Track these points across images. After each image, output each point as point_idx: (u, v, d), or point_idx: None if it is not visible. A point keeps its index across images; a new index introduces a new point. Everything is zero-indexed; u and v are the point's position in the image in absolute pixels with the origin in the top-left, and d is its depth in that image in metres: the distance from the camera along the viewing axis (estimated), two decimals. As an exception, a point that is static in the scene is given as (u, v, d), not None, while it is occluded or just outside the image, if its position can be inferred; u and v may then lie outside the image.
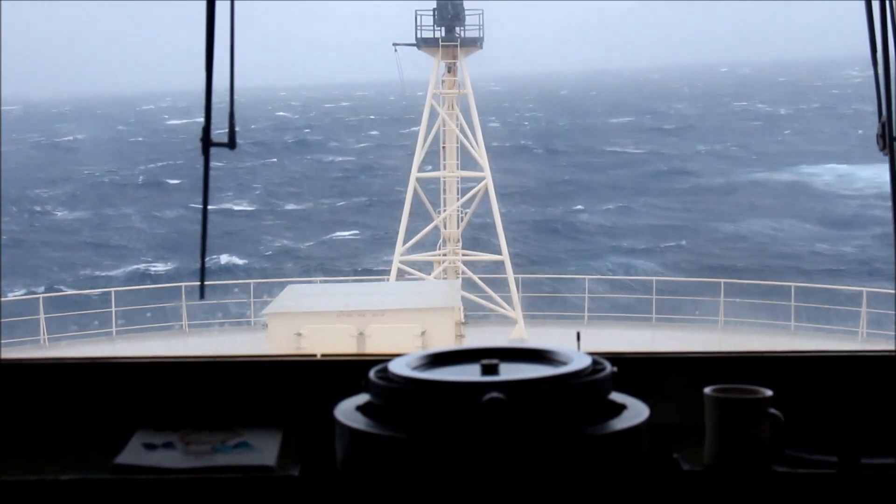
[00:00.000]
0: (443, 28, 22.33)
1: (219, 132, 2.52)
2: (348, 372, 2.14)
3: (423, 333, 15.27)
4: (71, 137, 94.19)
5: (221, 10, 2.50)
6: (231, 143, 2.56)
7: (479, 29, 22.47)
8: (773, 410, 2.30)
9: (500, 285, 21.84)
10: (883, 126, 2.61)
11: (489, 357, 2.00)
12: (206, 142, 2.53)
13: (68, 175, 67.96)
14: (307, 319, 15.42)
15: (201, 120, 2.46)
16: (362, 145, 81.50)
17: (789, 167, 62.41)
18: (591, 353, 2.08)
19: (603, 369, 1.97)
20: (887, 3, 2.56)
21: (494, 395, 1.80)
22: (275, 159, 73.95)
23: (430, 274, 22.80)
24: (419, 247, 23.28)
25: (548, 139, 78.02)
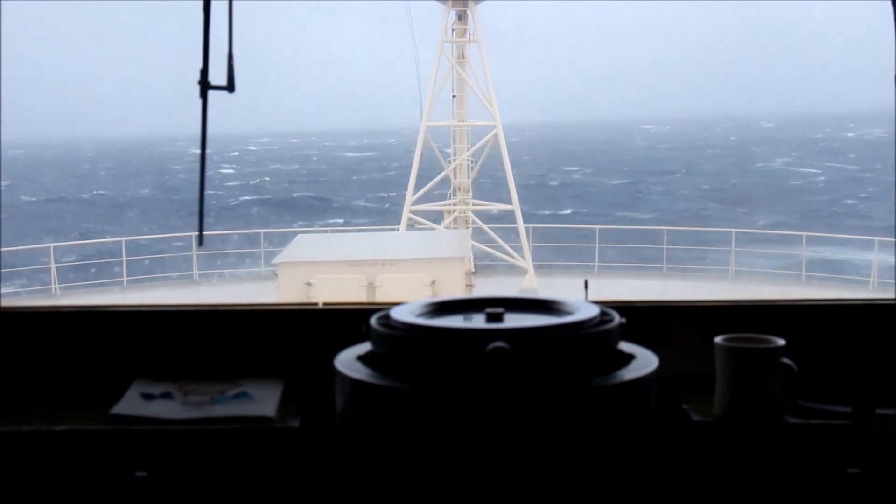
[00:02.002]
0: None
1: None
2: (351, 321, 2.08)
3: (433, 283, 15.24)
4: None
5: None
6: (230, 87, 2.50)
7: (490, -24, 22.25)
8: (785, 360, 2.24)
9: (511, 235, 21.82)
10: None
11: (494, 307, 1.95)
12: (205, 85, 2.47)
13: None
14: (317, 269, 15.39)
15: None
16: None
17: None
18: (600, 303, 2.02)
19: (611, 320, 1.91)
20: None
21: (499, 344, 1.74)
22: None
23: (440, 224, 22.78)
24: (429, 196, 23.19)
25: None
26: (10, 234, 19.31)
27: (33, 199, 70.63)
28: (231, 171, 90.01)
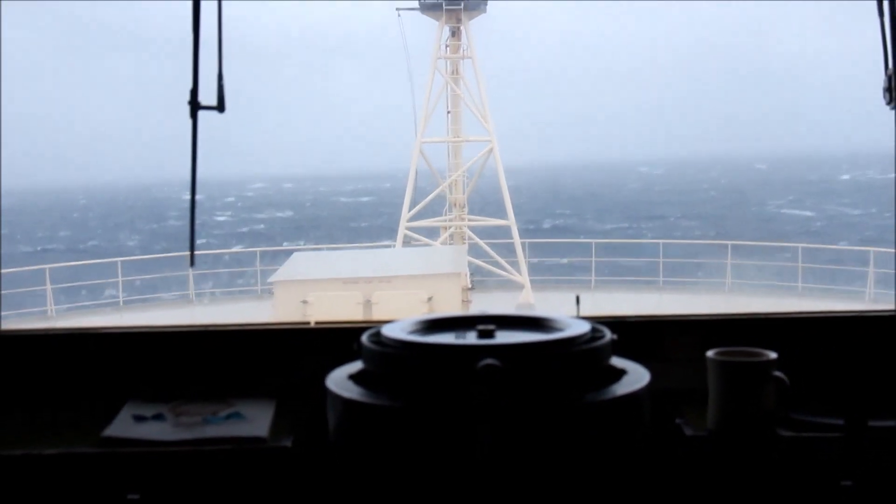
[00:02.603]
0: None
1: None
2: (343, 339, 2.08)
3: (429, 299, 15.23)
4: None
5: None
6: (220, 107, 2.50)
7: (484, -8, 22.34)
8: (777, 373, 2.24)
9: (508, 250, 21.83)
10: (889, 79, 2.54)
11: (485, 324, 1.95)
12: (195, 105, 2.48)
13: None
14: (313, 287, 15.38)
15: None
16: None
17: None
18: (592, 318, 2.02)
19: (602, 336, 1.91)
20: None
21: (490, 361, 1.74)
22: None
23: (436, 240, 22.78)
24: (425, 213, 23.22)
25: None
26: (11, 283, 19.39)
27: (29, 249, 70.15)
28: (224, 218, 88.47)
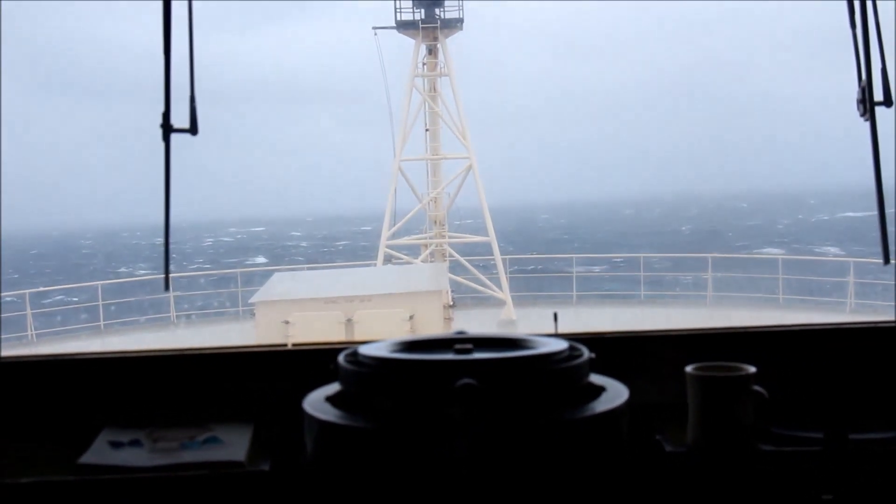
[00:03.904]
0: (422, 10, 22.28)
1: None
2: (320, 361, 2.06)
3: (411, 317, 15.23)
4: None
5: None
6: (193, 129, 2.49)
7: (459, 10, 22.43)
8: (756, 387, 2.24)
9: (488, 267, 21.85)
10: (863, 91, 2.55)
11: (463, 344, 1.94)
12: (167, 128, 2.46)
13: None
14: (294, 307, 15.37)
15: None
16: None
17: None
18: (570, 335, 2.01)
19: (580, 353, 1.90)
20: None
21: (467, 381, 1.73)
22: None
23: (417, 257, 22.78)
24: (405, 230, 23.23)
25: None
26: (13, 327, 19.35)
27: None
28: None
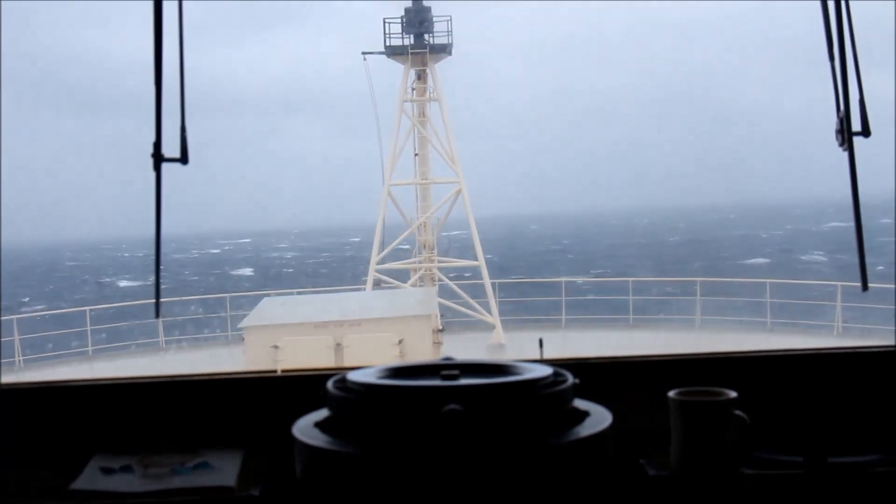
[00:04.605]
0: (411, 35, 22.38)
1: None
2: (310, 387, 2.09)
3: (400, 342, 15.22)
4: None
5: (169, 10, 2.46)
6: (183, 159, 2.52)
7: (448, 35, 22.55)
8: (737, 412, 2.27)
9: (478, 291, 21.86)
10: (841, 121, 2.60)
11: (449, 370, 1.98)
12: (158, 157, 2.49)
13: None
14: (283, 332, 15.33)
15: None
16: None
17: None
18: (555, 361, 2.05)
19: (564, 379, 1.94)
20: None
21: (453, 406, 1.76)
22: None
23: (406, 282, 22.79)
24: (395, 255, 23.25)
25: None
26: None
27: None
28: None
